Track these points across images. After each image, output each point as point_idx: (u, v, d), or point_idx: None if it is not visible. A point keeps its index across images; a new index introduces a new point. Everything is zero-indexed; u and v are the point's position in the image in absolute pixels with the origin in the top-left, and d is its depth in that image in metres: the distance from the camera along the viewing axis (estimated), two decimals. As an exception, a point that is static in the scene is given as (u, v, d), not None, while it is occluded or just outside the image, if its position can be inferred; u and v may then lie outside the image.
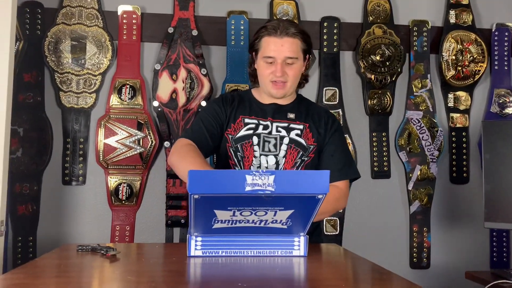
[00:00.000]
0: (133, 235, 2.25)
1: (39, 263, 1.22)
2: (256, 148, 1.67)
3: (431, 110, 2.43)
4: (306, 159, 1.68)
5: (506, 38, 2.48)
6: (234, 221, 1.21)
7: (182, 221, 2.23)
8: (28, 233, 2.20)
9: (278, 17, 2.35)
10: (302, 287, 1.08)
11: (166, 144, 2.24)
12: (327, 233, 2.33)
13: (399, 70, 2.40)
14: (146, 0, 2.33)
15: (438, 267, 2.43)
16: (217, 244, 1.25)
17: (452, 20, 2.47)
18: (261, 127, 1.69)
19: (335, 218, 2.35)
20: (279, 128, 1.70)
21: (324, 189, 1.13)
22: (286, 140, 1.68)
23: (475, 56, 2.45)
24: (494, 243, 2.45)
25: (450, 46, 2.44)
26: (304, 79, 1.80)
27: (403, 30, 2.46)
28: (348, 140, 2.33)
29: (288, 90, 1.71)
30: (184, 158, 1.55)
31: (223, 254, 1.26)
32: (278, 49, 1.65)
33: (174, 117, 2.25)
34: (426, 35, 2.44)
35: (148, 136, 2.22)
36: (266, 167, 1.65)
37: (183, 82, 2.25)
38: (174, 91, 2.25)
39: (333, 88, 2.39)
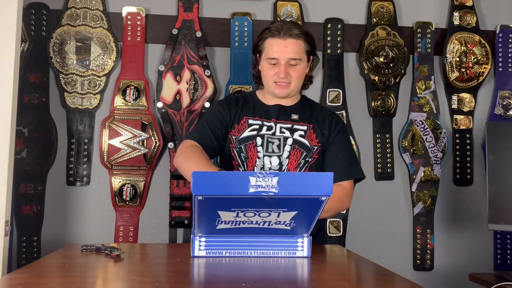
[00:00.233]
0: (137, 236, 2.26)
1: (44, 263, 1.22)
2: (259, 149, 1.67)
3: (435, 111, 2.43)
4: (310, 160, 1.68)
5: (510, 40, 2.48)
6: (238, 222, 1.21)
7: (186, 221, 2.23)
8: (33, 233, 2.21)
9: (282, 18, 2.36)
10: (306, 288, 1.08)
11: (170, 145, 2.25)
12: (330, 235, 2.33)
13: (402, 71, 2.40)
14: (151, 2, 2.34)
15: (441, 269, 2.43)
16: (221, 245, 1.26)
17: (456, 21, 2.47)
18: (265, 128, 1.70)
19: (338, 219, 2.35)
20: (283, 129, 1.70)
21: (327, 191, 1.13)
22: (289, 141, 1.68)
23: (479, 58, 2.44)
24: (498, 245, 2.44)
25: (454, 47, 2.44)
26: (308, 80, 1.81)
27: (407, 32, 2.46)
28: (352, 142, 2.33)
29: (292, 91, 1.71)
30: (189, 159, 1.55)
31: (227, 254, 1.26)
32: (282, 50, 1.65)
33: (178, 118, 2.26)
34: (430, 36, 2.44)
35: (152, 137, 2.23)
36: (270, 168, 1.66)
37: (187, 83, 2.26)
38: (178, 92, 2.26)
39: (336, 89, 2.39)
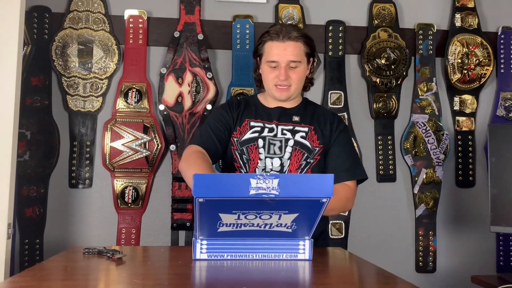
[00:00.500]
0: (139, 238, 2.26)
1: (46, 265, 1.23)
2: (261, 150, 1.68)
3: (437, 113, 2.43)
4: (311, 161, 1.68)
5: (512, 41, 2.48)
6: (239, 225, 1.21)
7: (188, 224, 2.24)
8: (35, 235, 2.21)
9: (283, 21, 2.36)
10: (307, 291, 1.08)
11: (172, 147, 2.25)
12: (332, 237, 2.33)
13: (404, 73, 2.40)
14: (153, 5, 2.35)
15: (444, 271, 2.42)
16: (222, 248, 1.26)
17: (458, 23, 2.47)
18: (266, 130, 1.70)
19: (340, 221, 2.35)
20: (284, 131, 1.70)
21: (328, 193, 1.13)
22: (291, 143, 1.69)
23: (481, 59, 2.44)
24: (500, 247, 2.44)
25: (455, 49, 2.44)
26: (309, 82, 1.81)
27: (408, 34, 2.45)
28: (354, 143, 2.33)
29: (293, 93, 1.72)
30: (191, 165, 1.56)
31: (228, 257, 1.26)
32: (281, 53, 1.66)
33: (180, 121, 2.26)
34: (431, 38, 2.44)
35: (154, 140, 2.24)
36: (271, 169, 1.66)
37: (189, 86, 2.26)
38: (180, 95, 2.26)
39: (338, 91, 2.39)
